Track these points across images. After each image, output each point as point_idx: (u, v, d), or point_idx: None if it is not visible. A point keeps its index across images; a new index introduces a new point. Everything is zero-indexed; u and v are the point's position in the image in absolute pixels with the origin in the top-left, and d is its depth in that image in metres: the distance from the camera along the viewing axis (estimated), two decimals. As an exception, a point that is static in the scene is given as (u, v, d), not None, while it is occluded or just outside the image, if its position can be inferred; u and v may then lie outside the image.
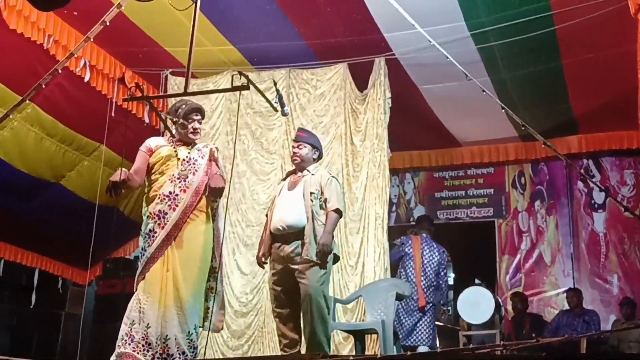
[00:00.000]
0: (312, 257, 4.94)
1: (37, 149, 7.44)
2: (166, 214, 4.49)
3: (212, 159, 4.71)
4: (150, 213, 4.53)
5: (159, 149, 4.66)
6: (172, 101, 6.25)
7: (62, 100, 7.20)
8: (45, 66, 6.17)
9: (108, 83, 7.25)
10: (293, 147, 5.39)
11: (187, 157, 4.63)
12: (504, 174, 10.03)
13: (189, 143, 4.72)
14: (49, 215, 8.26)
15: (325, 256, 4.97)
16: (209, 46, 6.86)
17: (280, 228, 5.05)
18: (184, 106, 4.72)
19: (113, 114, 7.25)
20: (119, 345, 4.33)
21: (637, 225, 8.51)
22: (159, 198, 4.53)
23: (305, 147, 5.31)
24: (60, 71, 4.55)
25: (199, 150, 4.70)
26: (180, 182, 4.55)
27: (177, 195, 4.51)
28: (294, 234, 5.03)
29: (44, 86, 4.41)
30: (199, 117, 4.72)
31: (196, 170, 4.60)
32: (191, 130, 4.68)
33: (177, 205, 4.49)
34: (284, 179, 5.42)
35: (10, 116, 5.43)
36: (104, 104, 7.22)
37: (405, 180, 10.47)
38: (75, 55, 5.63)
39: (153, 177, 4.63)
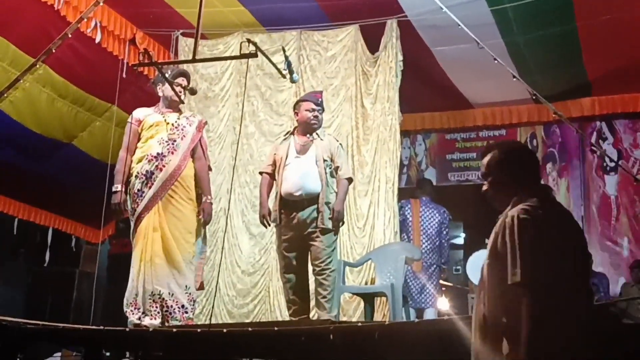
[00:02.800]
0: (327, 225, 5.00)
1: (49, 110, 7.46)
2: (153, 173, 4.60)
3: (200, 129, 4.81)
4: (138, 173, 4.64)
5: (147, 117, 4.76)
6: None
7: (73, 62, 7.19)
8: (57, 27, 6.16)
9: (119, 44, 7.25)
10: (313, 109, 5.25)
11: (175, 122, 4.73)
12: (516, 136, 9.95)
13: (176, 109, 4.81)
14: (62, 175, 8.32)
15: (339, 223, 5.05)
16: (219, 7, 6.81)
17: (296, 194, 5.04)
18: (170, 71, 4.81)
19: (124, 75, 7.24)
20: (126, 312, 4.47)
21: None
22: (146, 159, 4.64)
23: (322, 112, 5.35)
24: (70, 35, 4.55)
25: (187, 118, 4.86)
26: (168, 144, 4.66)
27: (164, 156, 4.62)
28: (308, 200, 5.04)
29: (54, 50, 4.41)
30: (184, 82, 4.83)
31: (184, 136, 4.73)
32: (179, 92, 4.76)
33: (164, 166, 4.60)
34: (285, 139, 5.36)
35: (22, 80, 5.45)
36: (115, 65, 7.21)
37: (417, 142, 10.44)
38: (86, 19, 5.61)
39: (141, 141, 4.71)
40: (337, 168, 5.13)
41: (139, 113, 4.86)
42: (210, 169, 5.03)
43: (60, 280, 9.04)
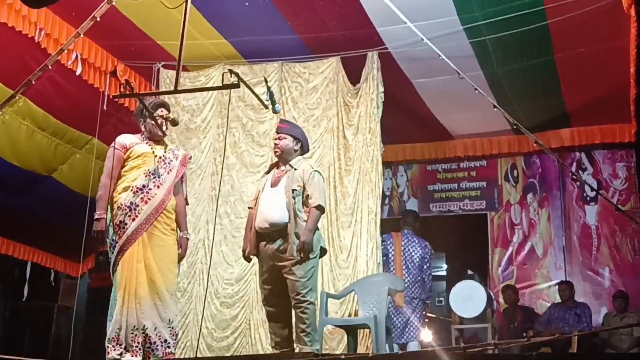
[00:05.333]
0: (296, 256, 4.93)
1: (29, 142, 7.41)
2: (137, 206, 4.56)
3: (184, 164, 4.81)
4: (121, 205, 4.58)
5: (134, 146, 4.73)
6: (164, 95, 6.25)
7: (53, 94, 7.15)
8: (37, 59, 6.16)
9: (100, 76, 7.20)
10: (274, 138, 5.34)
11: (163, 155, 4.72)
12: (496, 166, 10.04)
13: (160, 141, 4.80)
14: (41, 209, 8.24)
15: (307, 253, 4.93)
16: (201, 40, 6.83)
17: (264, 227, 5.05)
18: (150, 104, 4.80)
19: (105, 107, 7.21)
20: (108, 352, 4.40)
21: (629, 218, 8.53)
22: (131, 190, 4.59)
23: (285, 138, 5.25)
24: (50, 67, 4.53)
25: (172, 151, 4.85)
26: (154, 177, 4.63)
27: (150, 189, 4.59)
28: (277, 231, 5.02)
29: (34, 82, 4.39)
30: (164, 112, 4.83)
31: (170, 170, 4.73)
32: (160, 124, 4.75)
33: (149, 199, 4.57)
34: (268, 172, 5.37)
35: (1, 112, 5.41)
36: (96, 97, 7.18)
37: (399, 173, 10.47)
38: (66, 51, 5.60)
39: (126, 170, 4.68)
40: (308, 196, 5.07)
41: (125, 139, 4.81)
42: (187, 202, 5.00)
43: (38, 314, 8.93)
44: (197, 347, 5.79)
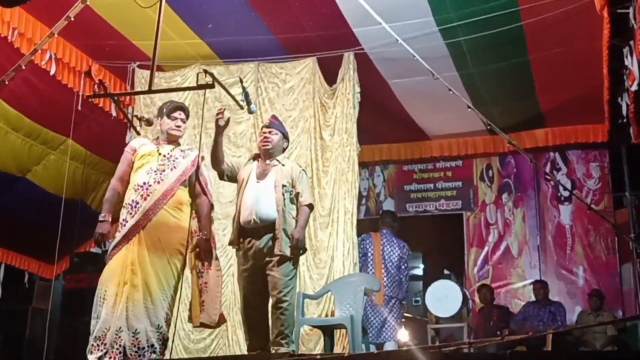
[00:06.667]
0: (285, 252, 4.87)
1: (2, 143, 7.34)
2: (137, 203, 4.53)
3: (194, 164, 4.75)
4: (125, 203, 4.57)
5: (141, 147, 4.73)
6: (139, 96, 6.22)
7: (27, 94, 7.10)
8: (10, 59, 6.07)
9: (74, 76, 7.13)
10: (264, 132, 5.25)
11: (168, 154, 4.68)
12: (472, 167, 10.11)
13: (173, 141, 4.77)
14: (15, 210, 8.15)
15: (299, 251, 4.94)
16: (176, 40, 6.81)
17: (252, 221, 4.93)
18: (168, 104, 4.80)
19: (79, 108, 7.15)
20: (90, 351, 4.33)
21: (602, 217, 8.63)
22: (133, 188, 4.56)
23: (277, 134, 5.22)
24: (24, 67, 4.48)
25: (182, 150, 4.79)
26: (156, 174, 4.60)
27: (150, 185, 4.55)
28: (264, 227, 4.93)
29: (7, 82, 4.34)
30: (182, 115, 4.80)
31: (174, 167, 4.65)
32: (174, 127, 4.73)
33: (148, 195, 4.52)
34: (250, 160, 5.27)
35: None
36: (70, 98, 7.12)
37: (375, 173, 10.50)
38: (40, 51, 5.54)
39: (134, 171, 4.67)
40: (297, 194, 5.04)
41: (135, 142, 4.84)
42: (212, 206, 4.89)
43: (12, 317, 8.83)
44: (172, 349, 5.72)
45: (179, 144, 4.84)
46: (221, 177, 5.21)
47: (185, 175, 4.69)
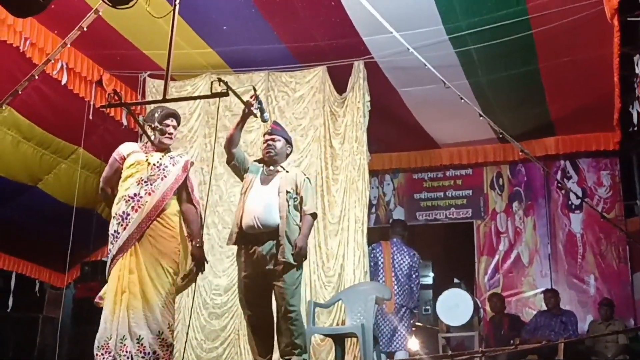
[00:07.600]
0: (289, 259, 4.80)
1: (14, 152, 7.38)
2: (129, 215, 4.50)
3: (186, 170, 4.72)
4: (115, 214, 4.55)
5: (130, 154, 4.68)
6: (150, 105, 6.23)
7: (39, 104, 7.13)
8: (22, 69, 6.13)
9: (86, 86, 7.18)
10: (267, 139, 5.20)
11: (157, 162, 4.64)
12: (482, 175, 10.08)
13: (163, 149, 4.74)
14: (26, 219, 8.20)
15: (302, 258, 4.89)
16: (187, 49, 6.83)
17: (255, 226, 4.86)
18: (159, 111, 4.74)
19: (91, 117, 7.19)
20: (97, 355, 4.34)
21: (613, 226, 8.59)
22: (124, 199, 4.54)
23: (280, 140, 5.17)
24: (36, 77, 4.50)
25: (172, 157, 4.72)
26: (147, 185, 4.56)
27: (141, 197, 4.52)
28: (267, 233, 4.85)
29: (20, 92, 4.37)
30: (174, 122, 4.75)
31: (165, 176, 4.61)
32: (166, 135, 4.70)
33: (140, 207, 4.50)
34: (255, 162, 5.21)
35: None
36: (82, 107, 7.17)
37: (385, 182, 10.49)
38: (52, 60, 5.57)
39: (122, 180, 4.65)
40: (301, 202, 4.99)
41: (124, 149, 4.76)
42: (199, 213, 4.86)
43: (23, 325, 8.86)
44: (183, 358, 5.73)
45: (169, 150, 4.80)
46: (229, 162, 5.14)
47: (177, 183, 4.64)
